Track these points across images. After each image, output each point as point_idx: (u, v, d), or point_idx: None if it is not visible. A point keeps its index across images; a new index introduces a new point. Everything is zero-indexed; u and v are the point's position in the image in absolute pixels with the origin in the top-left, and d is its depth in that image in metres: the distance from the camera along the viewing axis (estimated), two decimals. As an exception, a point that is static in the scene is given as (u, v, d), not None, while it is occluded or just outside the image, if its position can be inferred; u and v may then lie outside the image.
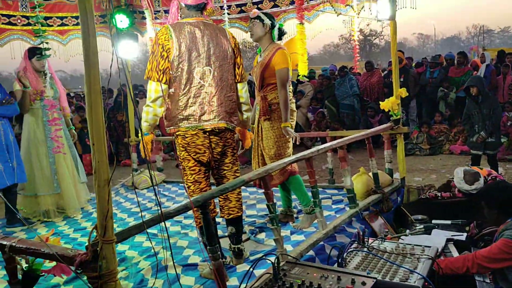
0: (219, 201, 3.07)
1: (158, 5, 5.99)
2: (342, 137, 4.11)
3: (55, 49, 5.43)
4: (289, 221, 3.89)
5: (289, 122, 3.53)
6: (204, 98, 2.87)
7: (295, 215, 3.99)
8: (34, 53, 4.61)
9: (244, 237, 3.65)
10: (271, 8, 5.36)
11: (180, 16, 3.00)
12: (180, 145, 2.93)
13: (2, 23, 5.01)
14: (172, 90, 2.85)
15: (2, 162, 4.40)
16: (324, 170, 6.73)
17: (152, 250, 2.64)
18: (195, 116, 2.85)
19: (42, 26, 3.38)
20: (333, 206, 4.23)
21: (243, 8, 5.57)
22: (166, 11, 5.98)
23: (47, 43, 3.44)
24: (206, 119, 2.87)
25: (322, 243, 3.22)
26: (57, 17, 5.46)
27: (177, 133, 2.91)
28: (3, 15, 5.00)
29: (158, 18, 6.02)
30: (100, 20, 5.97)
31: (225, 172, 3.06)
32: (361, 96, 9.09)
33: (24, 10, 5.18)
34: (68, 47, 5.74)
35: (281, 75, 3.52)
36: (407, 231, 3.69)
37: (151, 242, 2.17)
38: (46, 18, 5.36)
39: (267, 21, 3.58)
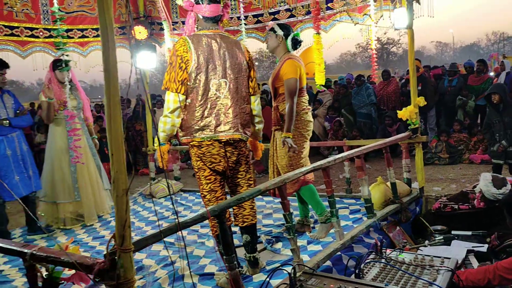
0: (233, 209, 3.08)
1: (176, 17, 6.08)
2: (359, 146, 4.08)
3: (75, 61, 5.56)
4: (306, 230, 3.87)
5: (290, 133, 3.46)
6: (220, 110, 2.90)
7: (312, 225, 3.97)
8: (56, 64, 4.75)
9: (260, 246, 3.65)
10: (288, 18, 5.39)
11: (197, 28, 3.04)
12: (196, 155, 2.96)
13: (25, 36, 5.14)
14: (189, 100, 2.88)
15: (18, 173, 4.53)
16: (341, 179, 6.68)
17: (169, 259, 2.65)
18: (211, 127, 2.88)
19: (63, 38, 3.44)
20: (351, 216, 4.20)
21: (259, 18, 5.61)
22: (184, 22, 6.06)
23: (67, 55, 3.51)
24: (222, 130, 2.90)
25: (339, 253, 3.20)
26: (78, 29, 5.58)
27: (192, 143, 2.94)
28: (26, 28, 5.13)
29: (176, 29, 6.11)
30: (120, 31, 6.09)
31: (239, 180, 3.09)
32: (378, 105, 9.02)
33: (46, 23, 5.31)
34: (88, 58, 5.85)
35: (287, 85, 3.55)
36: (426, 242, 3.64)
37: (168, 251, 2.18)
38: (67, 30, 5.50)
39: (280, 32, 3.66)
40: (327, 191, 3.28)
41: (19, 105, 4.67)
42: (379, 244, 2.92)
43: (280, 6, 5.32)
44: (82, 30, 5.66)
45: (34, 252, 2.11)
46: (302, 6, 5.07)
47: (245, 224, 3.06)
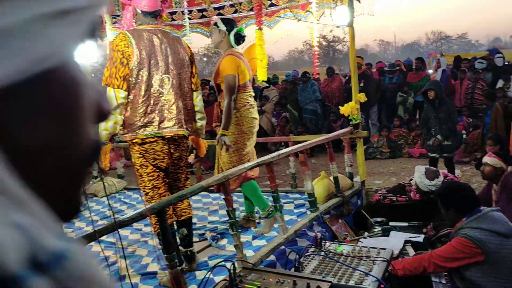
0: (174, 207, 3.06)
1: (118, 10, 5.89)
2: (304, 142, 4.15)
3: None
4: (251, 226, 3.89)
5: (227, 131, 3.47)
6: (163, 106, 2.86)
7: (257, 220, 3.99)
8: None
9: (205, 243, 3.63)
10: (232, 13, 5.38)
11: (135, 23, 2.97)
12: (137, 152, 2.90)
13: None
14: (131, 97, 2.81)
15: None
16: (287, 174, 6.77)
17: (106, 260, 2.57)
18: (155, 124, 2.83)
19: None
20: (295, 211, 4.26)
21: (204, 13, 5.55)
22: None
23: None
24: (166, 126, 2.86)
25: (283, 247, 3.23)
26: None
27: (134, 140, 2.87)
28: None
29: (117, 23, 5.92)
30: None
31: (179, 174, 3.08)
32: (323, 101, 9.23)
33: None
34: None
35: (225, 82, 3.54)
36: (366, 233, 3.76)
37: (103, 252, 2.11)
38: None
39: (222, 27, 3.62)
40: (271, 186, 3.31)
41: None
42: (319, 237, 2.98)
43: (225, 1, 5.29)
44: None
45: None
46: (247, 2, 5.08)
47: (183, 217, 3.04)
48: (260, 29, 3.27)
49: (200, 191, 2.66)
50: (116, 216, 4.29)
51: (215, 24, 3.64)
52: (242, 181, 3.62)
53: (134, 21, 2.96)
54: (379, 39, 59.50)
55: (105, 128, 2.80)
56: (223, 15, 5.37)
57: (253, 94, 3.77)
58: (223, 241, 3.67)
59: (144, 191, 2.99)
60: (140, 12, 2.90)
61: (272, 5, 4.68)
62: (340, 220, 4.15)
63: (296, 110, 9.23)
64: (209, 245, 3.61)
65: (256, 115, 3.76)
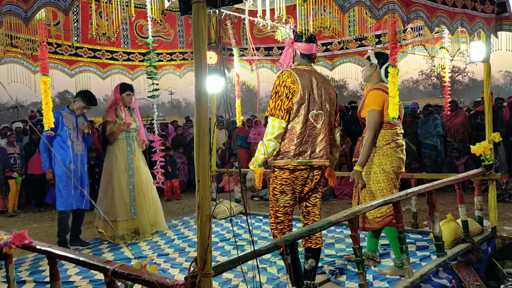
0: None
1: (245, 43, 6.25)
2: (427, 179, 3.97)
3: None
4: (371, 265, 3.78)
5: (361, 168, 3.52)
6: (315, 138, 3.13)
7: (377, 260, 3.88)
8: (125, 88, 5.22)
9: (323, 277, 3.61)
10: (357, 47, 5.42)
11: (293, 62, 3.30)
12: (283, 179, 3.13)
13: (106, 58, 5.48)
14: (289, 127, 3.10)
15: (74, 188, 4.89)
16: (404, 211, 6.48)
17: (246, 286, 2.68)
18: (307, 153, 3.10)
19: (154, 68, 3.66)
20: (418, 253, 4.06)
21: (328, 46, 5.66)
22: (254, 49, 6.23)
23: (157, 84, 3.74)
24: (315, 157, 3.12)
25: (407, 292, 3.10)
26: (155, 53, 5.86)
27: (286, 167, 3.09)
28: (107, 51, 5.48)
29: (244, 55, 6.27)
30: (191, 56, 6.34)
31: (316, 200, 3.29)
32: (444, 136, 8.74)
33: (126, 46, 5.65)
34: (160, 81, 6.13)
35: (368, 116, 3.59)
36: (502, 286, 3.44)
37: (245, 279, 2.21)
38: (143, 54, 5.83)
39: (374, 61, 3.70)
40: (398, 226, 3.21)
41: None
42: (456, 286, 2.80)
43: (350, 35, 5.33)
44: (158, 54, 5.93)
45: (116, 269, 2.22)
46: (373, 36, 5.07)
47: (318, 246, 3.19)
48: (394, 66, 3.24)
49: (329, 226, 2.68)
50: (235, 239, 4.49)
51: (368, 57, 3.74)
52: (386, 224, 3.55)
53: (292, 61, 3.31)
54: (504, 70, 54.77)
55: (264, 153, 3.08)
56: (348, 49, 5.44)
57: (401, 132, 3.69)
58: (342, 277, 3.62)
59: (275, 215, 3.21)
60: (299, 54, 3.25)
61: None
62: (468, 268, 3.86)
63: (414, 144, 8.85)
64: (328, 280, 3.58)
65: (403, 155, 3.64)
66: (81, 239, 5.20)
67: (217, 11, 2.08)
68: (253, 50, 3.94)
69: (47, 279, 3.87)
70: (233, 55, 6.24)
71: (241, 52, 6.30)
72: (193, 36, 1.93)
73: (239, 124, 6.71)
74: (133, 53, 5.74)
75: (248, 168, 3.18)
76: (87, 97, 5.01)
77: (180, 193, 9.75)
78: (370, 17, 4.64)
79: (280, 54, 6.00)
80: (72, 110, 5.07)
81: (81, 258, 2.42)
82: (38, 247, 2.72)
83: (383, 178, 3.56)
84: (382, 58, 3.66)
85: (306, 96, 3.09)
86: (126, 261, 4.26)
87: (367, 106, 3.58)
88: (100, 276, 3.89)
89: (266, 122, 3.23)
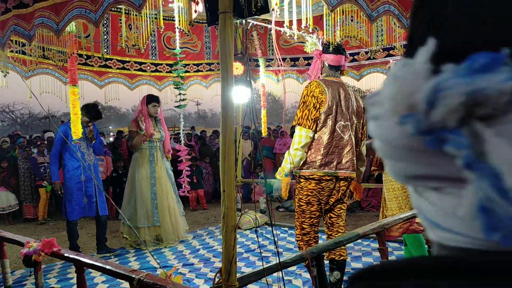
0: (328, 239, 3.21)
1: (271, 54, 6.26)
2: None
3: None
4: None
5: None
6: (342, 149, 3.11)
7: None
8: (151, 100, 5.32)
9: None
10: (384, 57, 5.36)
11: (321, 74, 3.31)
12: (309, 190, 3.11)
13: (134, 69, 5.58)
14: (316, 137, 3.09)
15: (87, 197, 5.02)
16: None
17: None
18: (333, 164, 3.08)
19: (182, 78, 3.71)
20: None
21: (355, 57, 5.62)
22: (280, 59, 6.23)
23: (184, 94, 3.78)
24: (341, 168, 3.10)
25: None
26: (182, 65, 5.94)
27: (312, 177, 3.08)
28: (135, 62, 5.58)
29: (270, 66, 6.29)
30: (218, 67, 6.40)
31: (341, 211, 3.27)
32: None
33: (153, 58, 5.74)
34: (187, 91, 6.19)
35: None
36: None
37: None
38: (170, 65, 5.91)
39: None
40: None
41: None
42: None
43: (377, 45, 5.28)
44: (185, 65, 6.01)
45: (142, 278, 2.22)
46: (401, 45, 5.01)
47: (342, 258, 3.18)
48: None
49: (356, 239, 2.63)
50: (260, 250, 4.44)
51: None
52: (404, 232, 3.48)
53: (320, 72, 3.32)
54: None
55: (291, 162, 3.08)
56: (357, 61, 5.40)
57: None
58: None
59: (301, 226, 3.20)
60: (327, 65, 3.25)
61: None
62: None
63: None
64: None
65: None
66: (107, 246, 5.29)
67: (243, 21, 2.09)
68: (279, 60, 3.93)
69: (75, 287, 3.94)
70: (259, 66, 6.26)
71: (267, 63, 6.32)
72: (220, 46, 1.94)
73: (264, 134, 6.70)
74: (161, 64, 5.83)
75: (274, 178, 3.17)
76: (89, 113, 4.99)
77: (206, 203, 9.78)
78: (398, 26, 4.60)
79: (306, 65, 6.04)
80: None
81: (107, 267, 2.43)
82: (66, 254, 2.76)
83: (398, 186, 3.54)
84: None
85: (334, 107, 3.08)
86: (152, 270, 4.28)
87: None
88: (126, 284, 3.94)
89: (292, 132, 3.24)
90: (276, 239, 2.17)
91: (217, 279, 1.90)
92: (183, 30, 3.85)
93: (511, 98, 0.25)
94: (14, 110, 46.31)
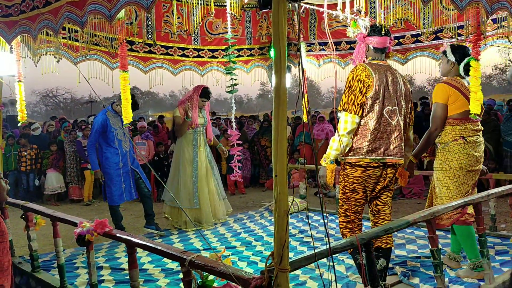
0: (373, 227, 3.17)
1: (313, 38, 6.18)
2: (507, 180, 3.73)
3: (218, 78, 5.99)
4: (453, 266, 3.63)
5: (415, 159, 3.49)
6: (390, 135, 3.03)
7: (461, 261, 3.70)
8: (205, 94, 5.48)
9: (395, 278, 3.50)
10: (432, 40, 5.19)
11: (366, 58, 3.21)
12: (355, 177, 3.06)
13: (177, 55, 5.63)
14: (362, 122, 3.02)
15: (124, 182, 5.30)
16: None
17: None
18: (381, 150, 3.00)
19: (233, 63, 3.73)
20: (497, 258, 3.83)
21: (400, 40, 5.47)
22: (321, 44, 6.15)
23: (236, 79, 3.80)
24: (389, 154, 3.02)
25: (488, 298, 2.94)
26: (222, 50, 5.95)
27: (358, 163, 3.02)
28: (179, 47, 5.64)
29: (312, 51, 6.21)
30: (258, 52, 6.38)
31: (387, 198, 3.21)
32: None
33: (196, 43, 5.78)
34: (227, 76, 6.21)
35: (433, 110, 3.53)
36: None
37: (321, 277, 2.19)
38: (212, 51, 5.94)
39: (451, 58, 3.50)
40: (479, 229, 3.04)
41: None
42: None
43: (424, 28, 5.10)
44: (224, 50, 6.02)
45: (193, 259, 2.27)
46: (449, 29, 4.82)
47: (388, 245, 3.12)
48: (477, 59, 3.06)
49: (406, 226, 2.59)
50: (300, 235, 4.46)
51: (444, 52, 3.57)
52: (454, 222, 3.40)
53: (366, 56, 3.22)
54: None
55: (336, 149, 3.02)
56: (403, 44, 5.25)
57: (476, 128, 3.45)
58: (415, 280, 3.49)
59: (345, 214, 3.17)
60: (372, 48, 3.16)
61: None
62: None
63: (491, 144, 8.32)
64: (400, 281, 3.46)
65: (475, 151, 3.42)
66: (156, 223, 5.51)
67: (296, 5, 2.06)
68: (332, 45, 3.87)
69: (122, 266, 4.08)
70: (299, 50, 6.19)
71: (308, 47, 6.24)
72: (273, 30, 1.92)
73: (305, 120, 6.66)
74: (203, 49, 5.85)
75: (312, 164, 3.14)
76: None
77: (244, 188, 9.86)
78: (447, 9, 4.43)
79: (349, 49, 5.92)
80: (115, 111, 5.32)
81: (159, 248, 2.50)
82: (118, 235, 2.85)
83: (449, 175, 3.41)
84: (458, 53, 3.45)
85: (381, 91, 2.99)
86: (195, 251, 4.38)
87: (433, 99, 3.48)
88: (171, 265, 4.05)
89: (331, 118, 3.19)
90: (327, 223, 2.17)
91: (268, 263, 1.91)
92: (234, 15, 3.84)
93: None
94: (57, 95, 47.92)
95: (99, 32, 3.73)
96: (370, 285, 2.36)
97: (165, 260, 4.06)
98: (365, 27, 3.25)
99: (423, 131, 3.72)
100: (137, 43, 5.15)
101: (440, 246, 2.78)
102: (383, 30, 3.12)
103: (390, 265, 3.75)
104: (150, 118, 22.29)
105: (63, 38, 3.52)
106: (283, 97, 1.89)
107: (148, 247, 2.61)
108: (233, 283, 2.16)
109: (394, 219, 2.94)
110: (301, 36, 6.15)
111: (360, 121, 3.01)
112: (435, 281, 2.85)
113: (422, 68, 5.46)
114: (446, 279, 3.36)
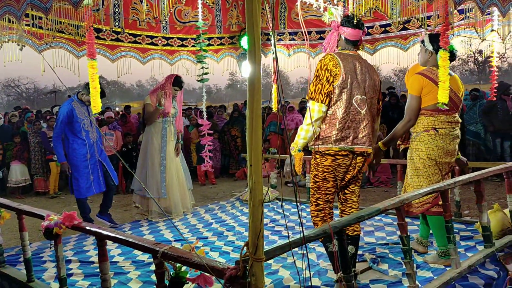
0: (341, 217, 3.19)
1: (283, 27, 6.17)
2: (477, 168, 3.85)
3: (188, 68, 5.91)
4: (419, 251, 3.74)
5: (383, 147, 3.53)
6: (358, 124, 3.05)
7: (428, 246, 3.81)
8: (177, 83, 5.38)
9: (364, 265, 3.57)
10: (400, 30, 5.27)
11: (337, 47, 3.22)
12: (325, 166, 3.08)
13: (146, 43, 5.52)
14: (330, 112, 3.04)
15: (92, 174, 5.23)
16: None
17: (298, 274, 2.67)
18: (349, 139, 3.03)
19: (204, 51, 3.66)
20: (462, 243, 3.96)
21: (369, 30, 5.52)
22: (291, 33, 6.15)
23: (207, 68, 3.74)
24: (358, 142, 3.05)
25: (453, 283, 3.03)
26: (192, 39, 5.87)
27: (327, 152, 3.04)
28: (147, 36, 5.52)
29: (282, 40, 6.20)
30: (229, 41, 6.32)
31: (355, 188, 3.25)
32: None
33: (165, 32, 5.67)
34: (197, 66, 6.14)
35: (407, 101, 3.58)
36: (553, 279, 3.31)
37: (295, 265, 2.20)
38: (181, 39, 5.85)
39: (429, 47, 3.53)
40: (445, 216, 3.11)
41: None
42: None
43: (392, 18, 5.17)
44: (194, 38, 5.94)
45: (166, 251, 2.24)
46: (417, 19, 4.91)
47: (355, 233, 3.17)
48: (445, 49, 3.12)
49: (376, 214, 2.63)
50: (271, 225, 4.46)
51: (422, 41, 3.59)
52: (424, 211, 3.48)
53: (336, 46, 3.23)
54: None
55: (303, 137, 3.05)
56: (390, 32, 5.29)
57: (448, 120, 3.45)
58: (384, 266, 3.57)
59: (316, 203, 3.19)
60: (343, 38, 3.17)
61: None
62: (516, 260, 3.73)
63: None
64: (369, 268, 3.54)
65: (446, 144, 3.44)
66: (110, 214, 5.49)
67: (269, -7, 2.03)
68: (305, 34, 3.86)
69: (91, 259, 4.00)
70: (269, 40, 6.18)
71: (278, 37, 6.23)
72: (247, 18, 1.89)
73: (274, 109, 6.66)
74: (172, 38, 5.76)
75: (283, 154, 3.15)
76: None
77: (214, 178, 9.83)
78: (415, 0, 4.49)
79: (319, 39, 5.94)
80: (81, 100, 5.20)
81: (130, 240, 2.46)
82: (88, 228, 2.78)
83: (419, 164, 3.48)
84: (436, 42, 3.44)
85: (349, 81, 3.00)
86: (167, 243, 4.33)
87: (408, 90, 3.55)
88: (142, 257, 3.99)
89: (301, 108, 3.20)
90: (300, 212, 2.18)
91: (243, 253, 1.90)
92: (207, 3, 3.77)
93: None
94: (19, 84, 46.28)
95: (64, 19, 3.61)
96: (342, 272, 2.39)
97: (136, 252, 4.00)
98: (340, 16, 3.24)
99: (390, 121, 3.79)
100: (104, 30, 5.01)
101: (408, 233, 2.83)
102: (355, 20, 3.12)
103: (360, 252, 3.84)
104: (117, 109, 21.85)
105: (26, 25, 3.38)
106: (258, 85, 1.88)
107: (119, 239, 2.56)
108: (207, 274, 2.15)
109: (363, 207, 3.00)
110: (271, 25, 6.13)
111: (327, 110, 3.03)
112: (404, 267, 2.92)
113: (389, 58, 5.56)
114: (414, 265, 3.45)
